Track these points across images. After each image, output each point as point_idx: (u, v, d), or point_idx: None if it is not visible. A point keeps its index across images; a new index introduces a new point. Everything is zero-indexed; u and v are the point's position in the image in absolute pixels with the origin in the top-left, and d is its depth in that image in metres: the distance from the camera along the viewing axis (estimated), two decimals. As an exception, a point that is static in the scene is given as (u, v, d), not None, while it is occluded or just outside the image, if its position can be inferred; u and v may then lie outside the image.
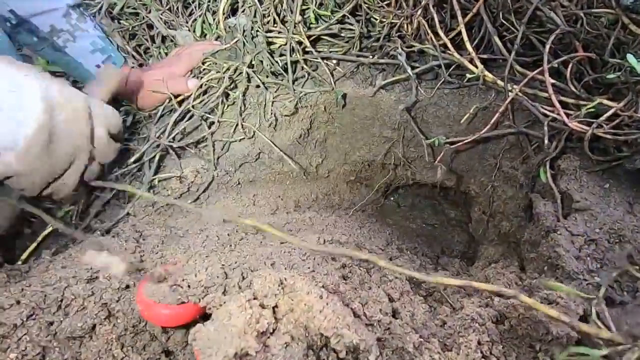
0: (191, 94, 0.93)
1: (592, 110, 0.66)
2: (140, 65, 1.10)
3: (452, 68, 0.87)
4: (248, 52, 0.96)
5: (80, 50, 0.97)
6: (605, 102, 0.67)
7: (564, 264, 0.60)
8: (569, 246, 0.62)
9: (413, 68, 0.89)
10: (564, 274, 0.59)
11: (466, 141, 0.79)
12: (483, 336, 0.52)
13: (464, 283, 0.49)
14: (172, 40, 1.13)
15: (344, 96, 0.97)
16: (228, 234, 0.72)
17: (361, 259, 0.48)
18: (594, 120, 0.65)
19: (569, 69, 0.72)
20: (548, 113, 0.69)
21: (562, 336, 0.50)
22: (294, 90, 0.95)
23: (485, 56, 0.82)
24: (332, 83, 0.96)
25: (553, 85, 0.71)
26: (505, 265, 0.81)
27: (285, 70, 0.95)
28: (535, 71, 0.74)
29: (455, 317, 0.57)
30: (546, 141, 0.68)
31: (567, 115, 0.68)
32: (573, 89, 0.72)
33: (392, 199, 1.31)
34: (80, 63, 0.98)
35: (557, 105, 0.66)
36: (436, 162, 0.83)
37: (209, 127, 0.92)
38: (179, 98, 0.95)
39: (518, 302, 0.56)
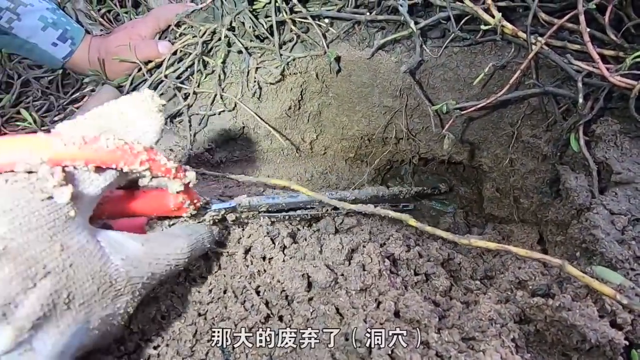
0: (163, 60, 0.82)
1: (639, 60, 0.53)
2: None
3: (463, 21, 0.74)
4: (227, 13, 0.84)
5: (29, 30, 0.83)
6: (655, 50, 0.54)
7: (603, 249, 0.49)
8: (608, 228, 0.51)
9: (417, 23, 0.76)
10: (604, 262, 0.48)
11: (480, 105, 0.67)
12: (505, 341, 0.42)
13: (499, 246, 0.46)
14: (145, 4, 1.01)
15: (338, 59, 0.84)
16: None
17: (392, 217, 0.48)
18: (641, 72, 0.52)
19: (607, 13, 0.59)
20: (583, 66, 0.57)
21: (604, 344, 0.39)
22: (281, 55, 0.83)
23: (503, 3, 0.69)
24: (325, 46, 0.83)
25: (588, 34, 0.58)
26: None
27: (271, 32, 0.83)
28: (565, 17, 0.61)
29: (469, 316, 0.47)
30: (580, 100, 0.55)
31: (607, 69, 0.55)
32: (613, 37, 0.59)
33: (395, 177, 1.20)
34: (34, 44, 0.84)
35: (595, 55, 0.54)
36: (444, 130, 0.71)
37: (185, 99, 0.81)
38: (150, 65, 0.83)
39: (543, 302, 0.46)
